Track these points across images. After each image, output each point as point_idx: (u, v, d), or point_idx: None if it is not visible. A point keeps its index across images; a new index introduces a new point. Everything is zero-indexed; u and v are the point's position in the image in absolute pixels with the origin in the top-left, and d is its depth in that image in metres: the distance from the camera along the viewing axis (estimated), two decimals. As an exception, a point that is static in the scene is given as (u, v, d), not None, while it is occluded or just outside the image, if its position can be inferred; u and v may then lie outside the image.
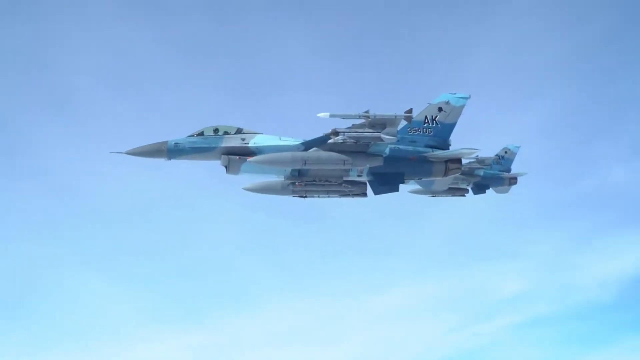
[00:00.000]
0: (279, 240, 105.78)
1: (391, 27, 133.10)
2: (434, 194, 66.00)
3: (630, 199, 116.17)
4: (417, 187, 62.62)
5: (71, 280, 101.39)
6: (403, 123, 48.07)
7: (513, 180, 73.39)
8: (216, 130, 49.94)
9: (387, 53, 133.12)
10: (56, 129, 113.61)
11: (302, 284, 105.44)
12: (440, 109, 53.10)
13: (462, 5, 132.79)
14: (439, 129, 52.89)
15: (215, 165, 50.43)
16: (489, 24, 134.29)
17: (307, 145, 49.44)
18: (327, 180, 51.37)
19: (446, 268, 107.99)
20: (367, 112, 44.79)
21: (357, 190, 52.30)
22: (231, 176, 50.00)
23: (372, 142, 47.99)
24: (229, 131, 50.10)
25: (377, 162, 49.50)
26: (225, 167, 49.54)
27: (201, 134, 49.65)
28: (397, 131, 47.44)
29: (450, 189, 64.39)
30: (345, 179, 51.59)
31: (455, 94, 53.28)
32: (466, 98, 53.22)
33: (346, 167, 49.02)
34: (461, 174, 59.56)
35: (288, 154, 48.53)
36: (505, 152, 76.05)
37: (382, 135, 46.51)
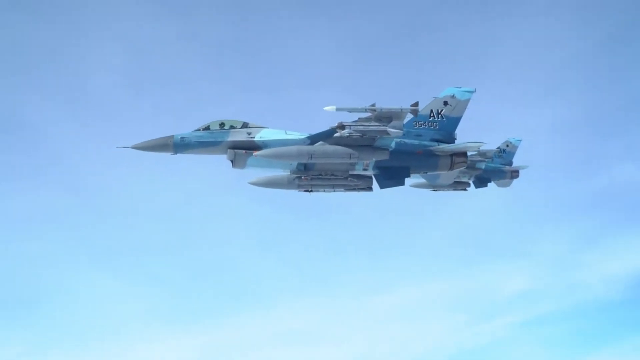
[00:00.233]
0: (283, 237, 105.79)
1: (398, 21, 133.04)
2: (436, 188, 66.05)
3: (638, 197, 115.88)
4: (419, 180, 62.72)
5: (77, 279, 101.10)
6: (409, 117, 48.03)
7: (515, 174, 73.61)
8: (222, 125, 49.85)
9: (393, 47, 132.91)
10: (72, 125, 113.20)
11: (307, 282, 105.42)
12: (445, 103, 53.23)
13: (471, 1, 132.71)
14: (444, 123, 53.01)
15: (221, 160, 50.45)
16: (497, 19, 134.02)
17: (313, 139, 49.44)
18: (333, 174, 51.43)
19: (450, 266, 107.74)
20: (373, 105, 44.70)
21: (362, 184, 52.35)
22: (237, 170, 50.00)
23: (378, 136, 47.98)
24: (235, 125, 50.02)
25: (383, 156, 49.60)
26: (232, 161, 49.46)
27: (207, 128, 49.55)
28: (403, 125, 47.44)
29: (452, 182, 64.45)
30: (351, 172, 51.65)
31: (460, 87, 53.44)
32: (471, 92, 53.43)
33: (352, 160, 48.98)
34: (463, 167, 59.66)
35: (294, 148, 48.52)
36: (507, 146, 76.14)
37: (388, 129, 46.44)
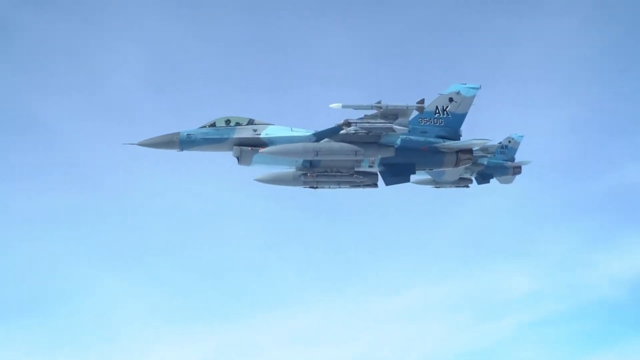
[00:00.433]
0: (288, 234, 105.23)
1: (402, 20, 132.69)
2: (438, 185, 66.02)
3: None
4: (421, 177, 62.76)
5: (86, 279, 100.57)
6: (415, 113, 48.28)
7: (517, 170, 73.50)
8: (228, 122, 49.88)
9: (398, 43, 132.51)
10: (86, 124, 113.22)
11: (309, 282, 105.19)
12: (451, 100, 53.32)
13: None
14: (449, 120, 53.13)
15: (227, 157, 50.50)
16: (505, 17, 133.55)
17: (319, 136, 49.50)
18: (338, 171, 51.47)
19: (454, 266, 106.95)
20: (379, 102, 44.85)
21: (368, 180, 52.40)
22: (243, 167, 50.07)
23: (384, 133, 48.09)
24: (240, 122, 50.06)
25: (389, 153, 49.76)
26: (237, 158, 49.60)
27: (213, 125, 49.58)
28: (409, 122, 47.60)
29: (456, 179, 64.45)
30: (356, 169, 51.70)
31: (465, 84, 53.52)
32: (477, 88, 53.53)
33: (358, 157, 49.24)
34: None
35: (300, 145, 48.64)
36: (509, 142, 75.94)
37: (394, 126, 46.60)
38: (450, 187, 67.12)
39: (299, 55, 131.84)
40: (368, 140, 48.72)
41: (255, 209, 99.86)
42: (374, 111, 45.38)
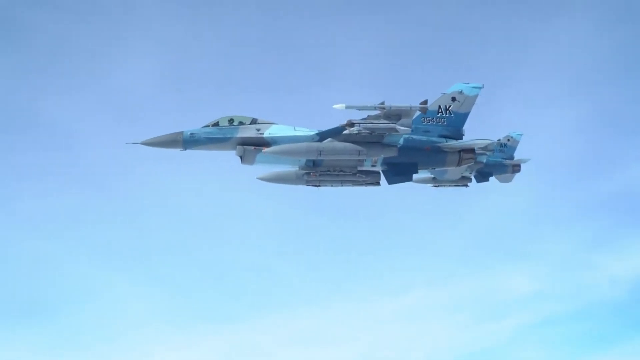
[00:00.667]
0: (290, 233, 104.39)
1: (405, 19, 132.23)
2: (437, 184, 66.10)
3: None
4: (421, 175, 62.90)
5: (88, 279, 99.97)
6: (418, 114, 48.44)
7: (516, 168, 73.50)
8: (231, 121, 49.90)
9: (401, 43, 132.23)
10: (94, 123, 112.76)
11: (310, 283, 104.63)
12: (453, 99, 53.38)
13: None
14: (452, 119, 53.23)
15: (230, 156, 50.60)
16: (510, 16, 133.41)
17: (322, 135, 49.62)
18: (341, 171, 51.60)
19: (455, 267, 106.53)
20: (382, 103, 44.97)
21: (370, 179, 52.58)
22: (246, 166, 50.17)
23: (387, 133, 48.32)
24: (244, 121, 50.07)
25: (392, 153, 49.96)
26: (241, 157, 49.64)
27: (216, 124, 49.59)
28: (412, 122, 47.78)
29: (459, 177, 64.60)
30: (359, 168, 51.86)
31: (468, 83, 53.59)
32: (479, 88, 53.54)
33: (361, 157, 49.44)
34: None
35: (303, 145, 48.76)
36: (508, 140, 75.98)
37: (397, 126, 46.81)
38: (449, 185, 67.33)
39: (302, 55, 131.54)
40: (371, 140, 48.88)
41: (257, 208, 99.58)
42: (377, 112, 45.49)
